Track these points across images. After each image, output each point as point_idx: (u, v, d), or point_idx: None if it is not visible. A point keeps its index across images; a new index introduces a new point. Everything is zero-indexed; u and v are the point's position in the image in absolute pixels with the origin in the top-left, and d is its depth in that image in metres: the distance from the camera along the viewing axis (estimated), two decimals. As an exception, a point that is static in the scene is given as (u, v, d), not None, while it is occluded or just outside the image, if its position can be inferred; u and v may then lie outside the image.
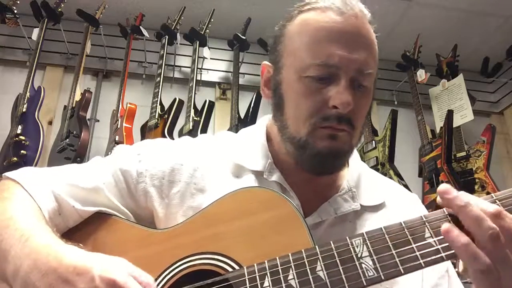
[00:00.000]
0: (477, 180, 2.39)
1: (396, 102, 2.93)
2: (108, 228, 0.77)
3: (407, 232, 0.58)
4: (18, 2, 2.44)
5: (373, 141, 2.57)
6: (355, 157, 0.85)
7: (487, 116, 3.08)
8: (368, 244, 0.58)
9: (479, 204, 0.54)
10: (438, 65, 2.87)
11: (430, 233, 0.57)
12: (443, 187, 0.56)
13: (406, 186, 2.31)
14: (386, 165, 2.44)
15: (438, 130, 2.61)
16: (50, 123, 2.45)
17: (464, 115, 2.60)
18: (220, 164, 0.81)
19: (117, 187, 0.80)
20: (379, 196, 0.81)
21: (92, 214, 0.79)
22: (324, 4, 0.74)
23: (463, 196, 0.55)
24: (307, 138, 0.72)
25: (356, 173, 0.83)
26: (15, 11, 2.43)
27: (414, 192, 2.54)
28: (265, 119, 0.89)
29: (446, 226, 0.55)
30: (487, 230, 0.52)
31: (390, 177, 2.36)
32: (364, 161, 2.54)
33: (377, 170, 2.44)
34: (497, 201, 0.57)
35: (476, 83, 3.04)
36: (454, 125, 2.50)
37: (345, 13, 0.72)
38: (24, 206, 0.72)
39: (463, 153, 2.52)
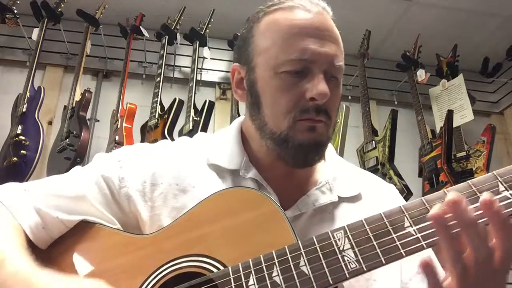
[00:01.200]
0: (477, 180, 2.38)
1: (396, 102, 2.93)
2: (92, 237, 0.77)
3: (386, 223, 0.58)
4: (18, 2, 2.44)
5: (373, 141, 2.57)
6: (331, 151, 0.87)
7: (487, 116, 3.08)
8: (350, 236, 0.59)
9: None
10: (438, 65, 2.87)
11: (410, 223, 0.57)
12: (451, 196, 0.54)
13: (406, 186, 2.31)
14: (386, 165, 2.43)
15: (438, 130, 2.61)
16: (50, 123, 2.45)
17: (464, 115, 2.60)
18: (198, 165, 0.82)
19: (101, 193, 0.80)
20: (355, 187, 0.83)
21: (76, 224, 0.79)
22: (291, 4, 0.78)
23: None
24: (287, 132, 0.75)
25: (333, 166, 0.85)
26: (15, 11, 2.43)
27: (414, 192, 2.53)
28: (239, 119, 0.91)
29: (435, 209, 0.54)
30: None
31: (390, 177, 2.36)
32: (364, 161, 2.56)
33: (377, 170, 2.44)
34: (472, 187, 0.57)
35: (476, 83, 3.04)
36: (454, 125, 2.49)
37: (312, 10, 0.77)
38: (2, 226, 0.72)
39: (463, 153, 2.52)
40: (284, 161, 0.77)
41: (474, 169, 2.44)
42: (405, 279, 0.76)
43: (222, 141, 0.87)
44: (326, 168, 0.84)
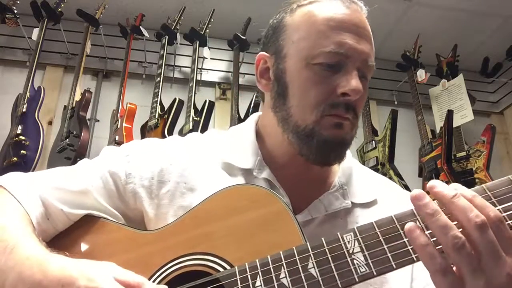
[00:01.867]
0: (477, 180, 2.38)
1: (396, 102, 2.93)
2: (97, 231, 0.75)
3: (398, 226, 0.56)
4: (18, 2, 2.44)
5: (373, 141, 2.57)
6: (347, 153, 0.84)
7: (487, 116, 3.08)
8: (360, 239, 0.57)
9: (463, 211, 0.51)
10: (438, 65, 2.87)
11: (422, 227, 0.55)
12: (415, 192, 0.54)
13: (406, 186, 2.31)
14: (386, 165, 2.44)
15: (438, 130, 2.61)
16: (50, 123, 2.45)
17: (464, 115, 2.60)
18: (209, 163, 0.80)
19: (106, 188, 0.78)
20: (371, 193, 0.81)
21: (81, 218, 0.77)
22: None
23: (432, 204, 0.53)
24: (313, 127, 0.72)
25: (348, 169, 0.83)
26: (15, 11, 2.43)
27: (414, 192, 2.52)
28: (254, 116, 0.89)
29: (409, 225, 0.54)
30: (451, 240, 0.50)
31: (390, 177, 2.36)
32: (364, 161, 2.56)
33: (377, 170, 2.44)
34: (487, 191, 0.56)
35: (476, 83, 3.04)
36: (454, 125, 2.49)
37: (350, 7, 0.75)
38: (11, 213, 0.71)
39: (463, 153, 2.52)
40: (305, 157, 0.75)
41: (474, 169, 2.44)
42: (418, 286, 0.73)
43: (236, 139, 0.84)
44: (341, 171, 0.82)
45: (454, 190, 0.53)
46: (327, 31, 0.73)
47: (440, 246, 0.52)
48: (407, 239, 0.55)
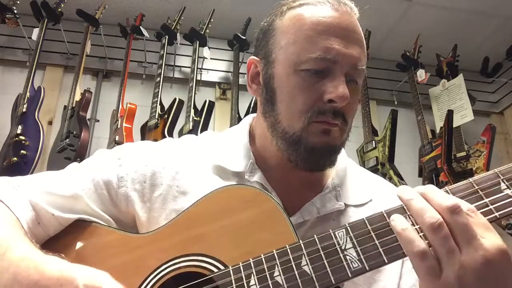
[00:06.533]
0: (477, 180, 2.38)
1: (396, 102, 2.93)
2: (89, 236, 0.75)
3: (388, 221, 0.57)
4: (18, 2, 2.44)
5: (373, 141, 2.57)
6: (342, 153, 0.83)
7: (487, 116, 3.08)
8: (351, 235, 0.58)
9: (435, 198, 0.54)
10: (438, 65, 2.87)
11: (412, 222, 0.56)
12: (400, 189, 0.57)
13: (406, 186, 2.31)
14: (386, 165, 2.43)
15: (438, 130, 2.61)
16: (50, 123, 2.45)
17: (464, 115, 2.60)
18: (202, 166, 0.80)
19: (97, 193, 0.77)
20: (365, 194, 0.80)
21: (72, 222, 0.77)
22: (317, 0, 0.75)
23: (411, 191, 0.56)
24: (301, 133, 0.72)
25: (342, 170, 0.82)
26: (15, 11, 2.43)
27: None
28: (248, 118, 0.89)
29: (393, 215, 0.56)
30: (428, 220, 0.52)
31: (390, 177, 2.36)
32: (364, 161, 2.56)
33: (377, 170, 2.44)
34: (475, 185, 0.57)
35: (476, 83, 3.04)
36: (454, 125, 2.49)
37: (340, 9, 0.74)
38: (1, 218, 0.70)
39: (463, 153, 2.52)
40: (294, 163, 0.75)
41: (474, 169, 2.44)
42: (405, 286, 0.74)
43: (229, 141, 0.84)
44: (335, 172, 0.81)
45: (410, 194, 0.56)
46: (314, 36, 0.71)
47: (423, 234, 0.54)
48: None
